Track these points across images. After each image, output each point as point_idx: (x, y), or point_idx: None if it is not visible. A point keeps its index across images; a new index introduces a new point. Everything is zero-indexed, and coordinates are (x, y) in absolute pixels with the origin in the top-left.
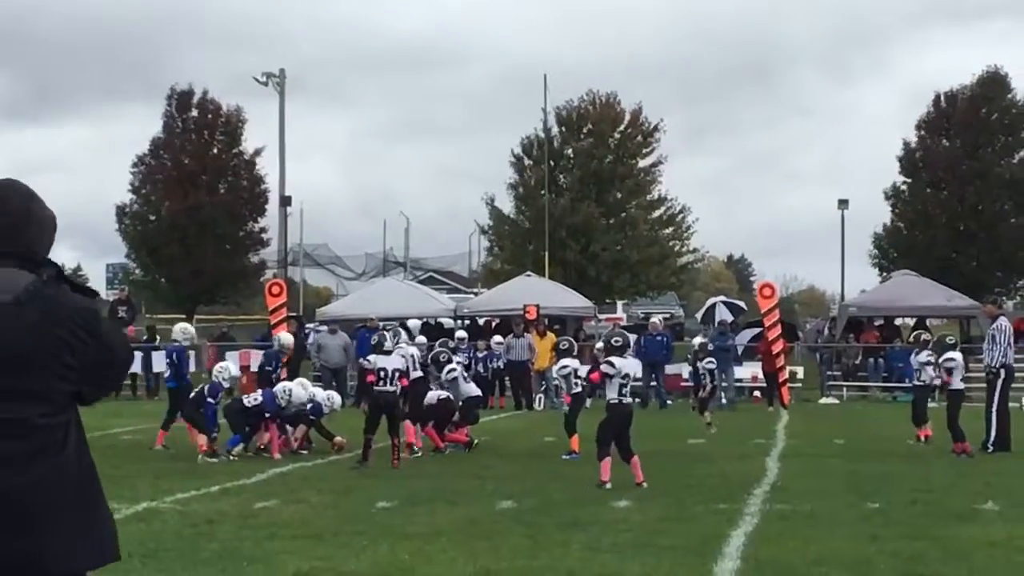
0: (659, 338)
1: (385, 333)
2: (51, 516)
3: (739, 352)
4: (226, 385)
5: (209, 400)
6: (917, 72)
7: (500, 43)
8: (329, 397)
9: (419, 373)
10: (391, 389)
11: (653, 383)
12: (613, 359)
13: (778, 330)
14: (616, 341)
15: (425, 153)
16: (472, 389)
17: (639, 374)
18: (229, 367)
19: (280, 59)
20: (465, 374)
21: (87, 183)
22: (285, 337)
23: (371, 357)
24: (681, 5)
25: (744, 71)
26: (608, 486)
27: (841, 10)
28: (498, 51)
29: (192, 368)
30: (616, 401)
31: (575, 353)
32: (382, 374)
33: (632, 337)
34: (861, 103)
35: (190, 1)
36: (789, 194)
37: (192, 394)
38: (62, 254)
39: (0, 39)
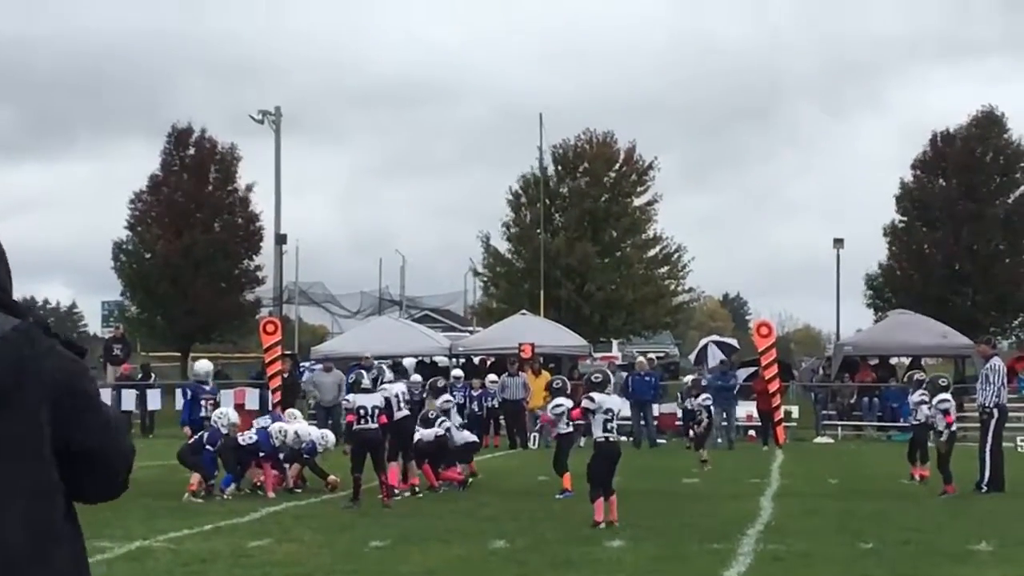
0: (647, 378)
1: (363, 371)
2: None
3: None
4: (224, 431)
5: (208, 448)
6: (914, 109)
7: (498, 79)
8: (323, 436)
9: (404, 412)
10: (372, 427)
11: (642, 422)
12: (593, 395)
13: (775, 369)
14: (596, 377)
15: (422, 190)
16: (467, 436)
17: (625, 411)
18: (228, 413)
19: (278, 95)
20: (459, 419)
21: (85, 219)
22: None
23: (350, 396)
24: (681, 41)
25: (744, 107)
26: (602, 526)
27: (840, 46)
28: (496, 87)
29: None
30: (603, 439)
31: (568, 392)
32: (362, 412)
33: (622, 375)
34: (859, 140)
35: (190, 37)
36: (785, 231)
37: (192, 439)
38: (55, 291)
39: None
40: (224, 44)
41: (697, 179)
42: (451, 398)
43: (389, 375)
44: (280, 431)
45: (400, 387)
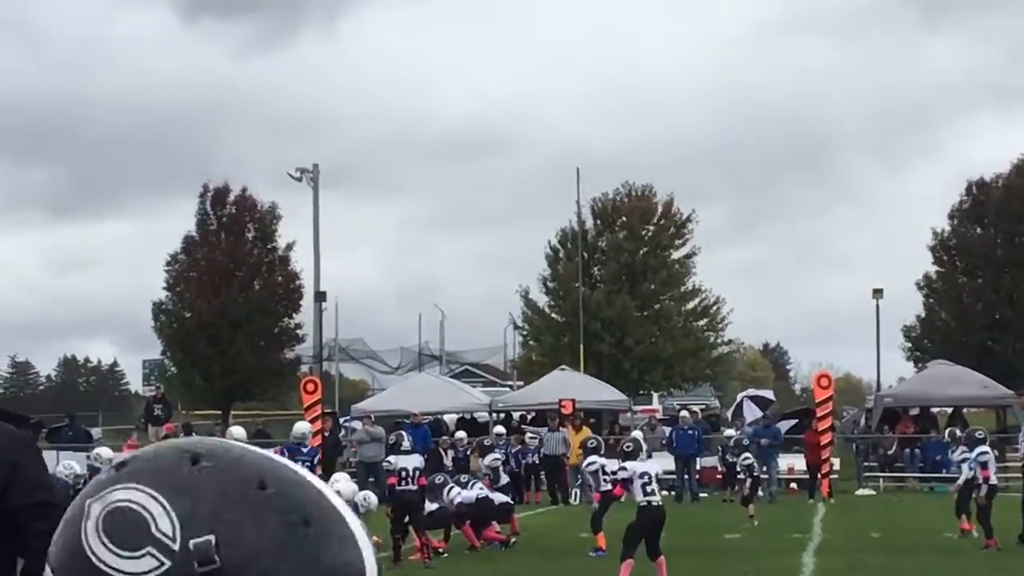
0: (690, 432)
1: (403, 433)
2: None
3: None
4: None
5: None
6: (963, 158)
7: (549, 132)
8: (365, 497)
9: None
10: (412, 488)
11: (686, 476)
12: (627, 464)
13: (829, 421)
14: (627, 447)
15: (469, 244)
16: (500, 497)
17: (659, 471)
18: None
19: (326, 150)
20: (505, 477)
21: (128, 278)
22: (105, 452)
23: (391, 458)
24: (728, 91)
25: (791, 157)
26: None
27: (890, 95)
28: (544, 138)
29: None
30: (646, 504)
31: (602, 451)
32: (403, 473)
33: (664, 430)
34: (906, 189)
35: (237, 93)
36: (828, 281)
37: None
38: (101, 349)
39: (44, 133)
40: (275, 100)
41: (743, 229)
42: (499, 456)
43: (407, 444)
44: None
45: (415, 461)
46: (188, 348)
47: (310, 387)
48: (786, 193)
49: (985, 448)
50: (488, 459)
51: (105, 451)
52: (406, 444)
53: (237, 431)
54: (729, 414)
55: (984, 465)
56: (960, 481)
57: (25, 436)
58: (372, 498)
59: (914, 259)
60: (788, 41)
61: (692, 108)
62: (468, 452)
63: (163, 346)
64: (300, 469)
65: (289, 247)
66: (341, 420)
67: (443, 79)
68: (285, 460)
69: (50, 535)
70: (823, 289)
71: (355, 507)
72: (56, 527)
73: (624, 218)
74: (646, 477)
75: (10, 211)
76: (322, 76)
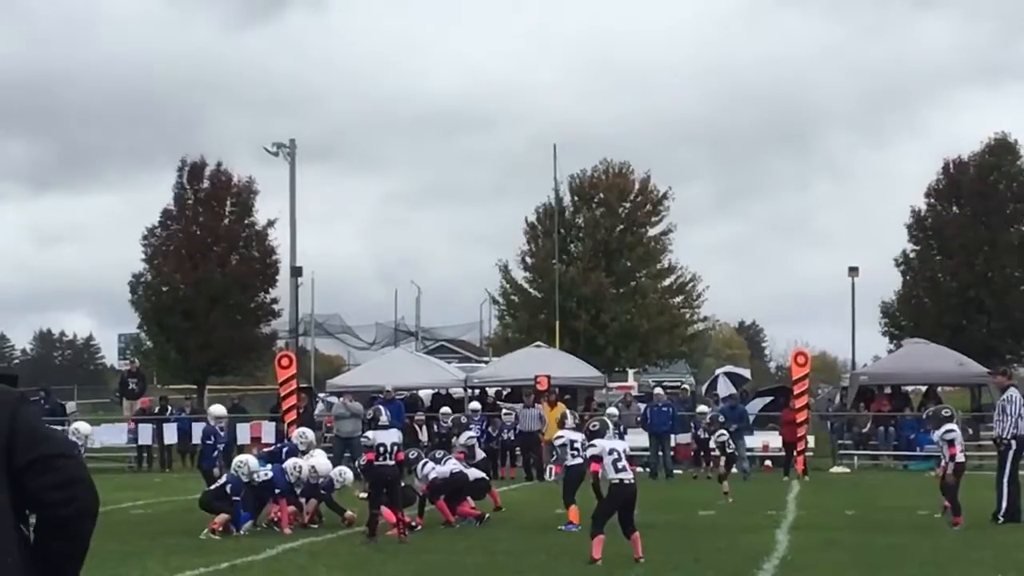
0: (665, 408)
1: (381, 408)
2: None
3: (751, 421)
4: (245, 480)
5: (235, 499)
6: (942, 137)
7: (531, 107)
8: (340, 472)
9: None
10: (389, 463)
11: (660, 453)
12: (595, 441)
13: (806, 399)
14: (593, 426)
15: (448, 219)
16: (475, 473)
17: (627, 448)
18: (249, 462)
19: (311, 125)
20: (482, 453)
21: (107, 251)
22: (310, 434)
23: (369, 433)
24: (715, 68)
25: (772, 134)
26: (599, 563)
27: (871, 72)
28: (528, 115)
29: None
30: (617, 481)
31: (574, 425)
32: (381, 449)
33: (639, 407)
34: (889, 167)
35: (222, 67)
36: (804, 259)
37: (215, 485)
38: (79, 322)
39: (26, 106)
40: (257, 75)
41: (723, 206)
42: (474, 434)
43: (385, 419)
44: (294, 467)
45: (394, 436)
46: (165, 322)
47: (285, 362)
48: (768, 171)
49: (952, 426)
50: (463, 437)
51: (83, 425)
52: (384, 419)
53: (217, 409)
54: (703, 388)
55: (951, 443)
56: (944, 462)
57: (18, 393)
58: (348, 473)
59: (892, 237)
60: (776, 17)
61: (678, 85)
62: (450, 427)
63: (140, 320)
64: None
65: (270, 223)
66: (317, 395)
67: (428, 55)
68: None
69: (61, 486)
70: (800, 267)
71: (330, 482)
72: (66, 476)
73: (601, 195)
74: (615, 454)
75: None
76: (308, 51)
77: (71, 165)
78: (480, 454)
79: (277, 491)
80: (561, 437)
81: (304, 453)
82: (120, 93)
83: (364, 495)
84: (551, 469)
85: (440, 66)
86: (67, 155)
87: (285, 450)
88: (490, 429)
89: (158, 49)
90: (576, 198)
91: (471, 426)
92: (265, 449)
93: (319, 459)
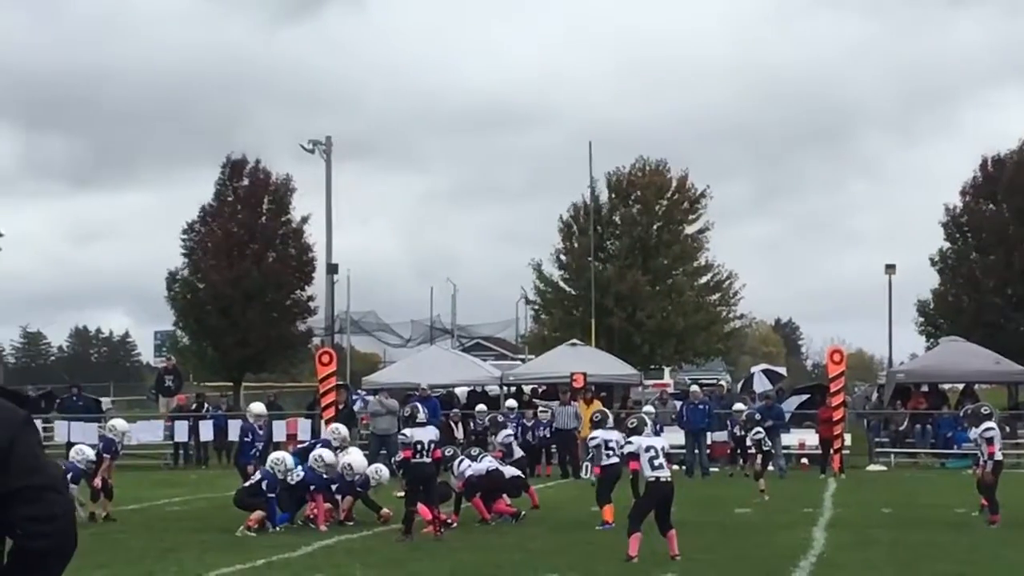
0: (701, 406)
1: (419, 405)
2: None
3: (787, 419)
4: (280, 477)
5: (270, 496)
6: (982, 134)
7: (569, 104)
8: (377, 470)
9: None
10: (427, 461)
11: (696, 451)
12: (632, 438)
13: (842, 397)
14: (631, 423)
15: (485, 216)
16: (511, 471)
17: (666, 446)
18: (286, 459)
19: (349, 122)
20: (519, 451)
21: (145, 248)
22: (343, 429)
23: (407, 431)
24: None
25: (811, 133)
26: (635, 560)
27: (913, 70)
28: (566, 112)
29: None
30: (654, 479)
31: (609, 424)
32: (418, 447)
33: (675, 404)
34: (924, 165)
35: (261, 65)
36: (840, 257)
37: (249, 482)
38: (115, 319)
39: (65, 104)
40: (295, 72)
41: (760, 204)
42: (511, 433)
43: (422, 416)
44: (317, 458)
45: (431, 434)
46: (201, 319)
47: (325, 359)
48: (804, 168)
49: (990, 424)
50: (500, 436)
51: (120, 422)
52: (421, 416)
53: (257, 407)
54: (739, 386)
55: (989, 441)
56: (981, 460)
57: (23, 415)
58: (384, 471)
59: (928, 235)
60: (813, 15)
61: (715, 83)
62: (486, 425)
63: (176, 316)
64: None
65: (304, 220)
66: (354, 393)
67: (467, 52)
68: None
69: (41, 519)
70: (837, 265)
71: (366, 479)
72: (48, 511)
73: (638, 192)
74: (652, 451)
75: (31, 182)
76: (346, 48)
77: (108, 163)
78: (518, 452)
79: (312, 488)
80: (595, 438)
81: (339, 449)
82: (157, 90)
83: (402, 494)
84: (587, 467)
85: (477, 63)
86: (105, 153)
87: (318, 446)
88: (523, 421)
89: (196, 46)
90: (613, 195)
91: (508, 424)
92: (299, 446)
93: (355, 456)
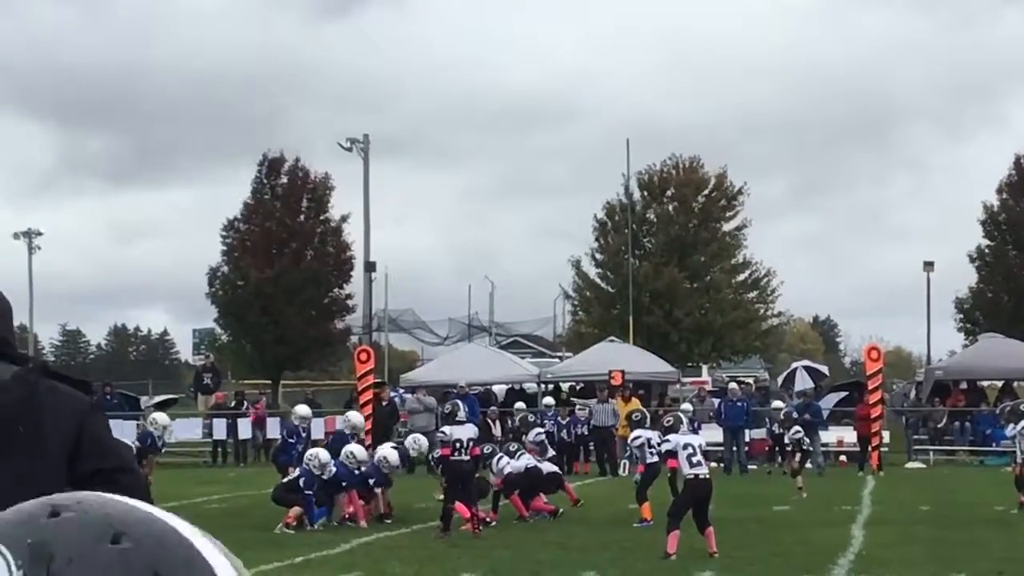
0: (739, 404)
1: (458, 402)
2: None
3: (825, 416)
4: (317, 473)
5: (307, 493)
6: (1022, 130)
7: (610, 100)
8: (415, 439)
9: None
10: (465, 459)
11: (735, 448)
12: (669, 437)
13: (879, 394)
14: (667, 421)
15: (523, 214)
16: (548, 467)
17: (703, 443)
18: (320, 455)
19: (388, 120)
20: (552, 450)
21: (184, 246)
22: (356, 417)
23: (446, 428)
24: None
25: (853, 128)
26: (673, 558)
27: (961, 65)
28: (607, 109)
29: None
30: (692, 476)
31: (648, 424)
32: (457, 444)
33: (713, 402)
34: (968, 161)
35: (297, 62)
36: (879, 254)
37: (287, 478)
38: (155, 317)
39: (104, 102)
40: (335, 70)
41: (800, 200)
42: (543, 430)
43: (462, 414)
44: (348, 454)
45: (470, 431)
46: (241, 316)
47: (363, 356)
48: (844, 164)
49: None
50: (532, 434)
51: (161, 416)
52: (461, 414)
53: (302, 409)
54: (780, 380)
55: None
56: (1020, 457)
57: (90, 401)
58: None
59: (967, 232)
60: (856, 11)
61: (759, 80)
62: (518, 425)
63: (217, 314)
64: (172, 519)
65: (344, 219)
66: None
67: (506, 50)
68: (156, 511)
69: None
70: (875, 261)
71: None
72: (122, 492)
73: (673, 190)
74: (690, 448)
75: (72, 179)
76: (385, 46)
77: (149, 160)
78: (550, 451)
79: (344, 484)
80: (639, 437)
81: (353, 437)
82: (197, 88)
83: (441, 497)
84: (626, 465)
85: (515, 61)
86: (145, 150)
87: (333, 438)
88: (567, 423)
89: (235, 44)
90: (646, 193)
91: (543, 422)
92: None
93: (389, 451)
